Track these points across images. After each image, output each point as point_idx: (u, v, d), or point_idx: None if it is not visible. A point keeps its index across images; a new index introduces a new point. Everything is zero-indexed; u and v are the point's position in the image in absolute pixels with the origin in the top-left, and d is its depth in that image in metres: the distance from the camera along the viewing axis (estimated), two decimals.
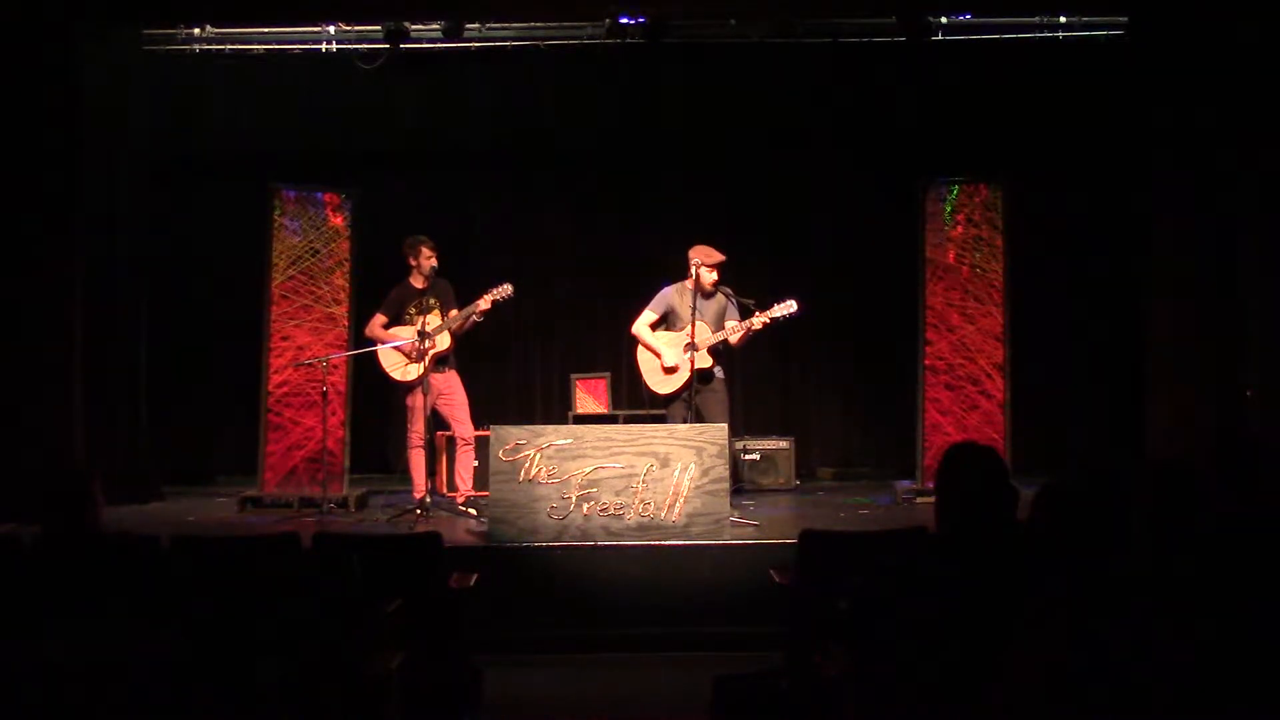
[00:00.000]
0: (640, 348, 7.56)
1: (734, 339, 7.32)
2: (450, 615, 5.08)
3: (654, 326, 7.56)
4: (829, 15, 9.09)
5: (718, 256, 7.39)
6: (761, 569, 5.48)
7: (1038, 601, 2.65)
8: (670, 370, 7.42)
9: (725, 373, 7.53)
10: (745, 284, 7.47)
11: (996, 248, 8.23)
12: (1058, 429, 9.06)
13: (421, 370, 7.54)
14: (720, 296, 7.44)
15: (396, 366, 7.71)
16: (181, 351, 9.46)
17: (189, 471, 9.39)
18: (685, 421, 7.13)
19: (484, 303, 7.52)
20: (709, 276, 7.33)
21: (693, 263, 7.39)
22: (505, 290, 7.55)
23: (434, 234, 8.03)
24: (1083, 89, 9.16)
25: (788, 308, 7.21)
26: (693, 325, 7.21)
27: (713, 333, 7.36)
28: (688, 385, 7.27)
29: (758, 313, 7.23)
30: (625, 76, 9.72)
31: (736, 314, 7.37)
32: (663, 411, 7.65)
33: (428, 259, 7.71)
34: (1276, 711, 2.49)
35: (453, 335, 7.69)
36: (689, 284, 7.42)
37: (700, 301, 7.31)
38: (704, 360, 7.32)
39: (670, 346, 7.42)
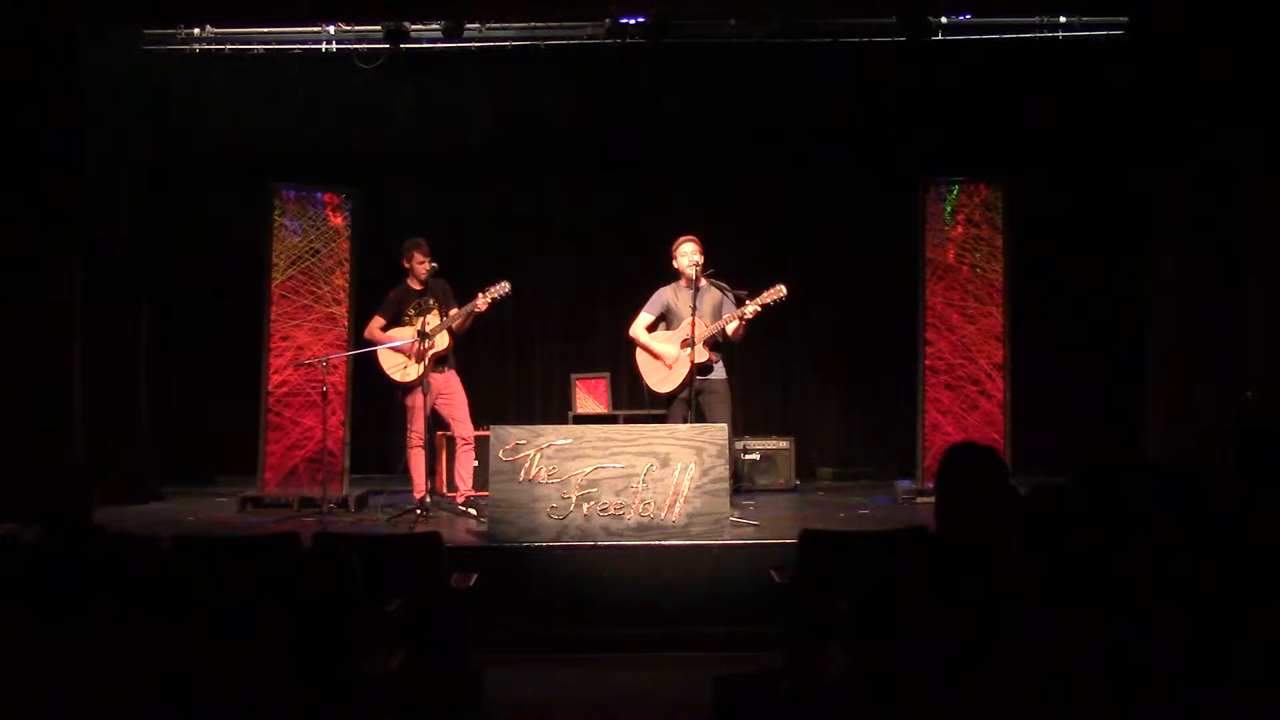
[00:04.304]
0: (639, 350, 7.55)
1: (730, 329, 7.31)
2: (450, 615, 5.08)
3: (651, 328, 7.55)
4: (829, 15, 9.10)
5: (689, 240, 7.40)
6: (761, 569, 5.49)
7: (1037, 602, 2.65)
8: (670, 368, 7.40)
9: (726, 371, 7.52)
10: (745, 284, 7.46)
11: (996, 248, 8.24)
12: (1058, 429, 9.05)
13: (421, 370, 7.54)
14: (714, 291, 7.43)
15: (396, 367, 7.71)
16: (181, 351, 9.45)
17: (189, 471, 9.39)
18: (685, 421, 7.12)
19: (482, 302, 7.51)
20: (691, 264, 7.32)
21: (675, 259, 7.41)
22: (503, 288, 7.55)
23: (433, 233, 8.03)
24: (1083, 89, 9.17)
25: (777, 293, 7.21)
26: (693, 321, 7.20)
27: (709, 326, 7.36)
28: (688, 382, 7.27)
29: (749, 301, 7.24)
30: (625, 76, 9.73)
31: (733, 306, 7.37)
32: (663, 411, 7.64)
33: (421, 263, 7.69)
34: (1276, 711, 2.49)
35: (452, 334, 7.69)
36: (682, 282, 7.44)
37: (696, 297, 7.30)
38: (701, 354, 7.31)
39: (667, 344, 7.41)
